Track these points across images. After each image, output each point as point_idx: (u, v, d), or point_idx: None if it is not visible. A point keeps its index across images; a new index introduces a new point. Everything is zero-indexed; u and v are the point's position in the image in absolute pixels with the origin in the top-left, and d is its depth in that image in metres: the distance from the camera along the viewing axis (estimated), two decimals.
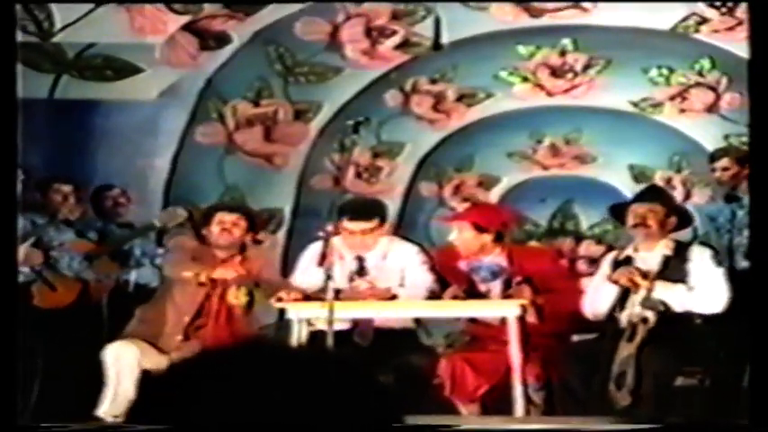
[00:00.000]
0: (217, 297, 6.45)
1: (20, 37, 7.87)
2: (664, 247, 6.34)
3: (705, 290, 6.18)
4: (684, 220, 6.64)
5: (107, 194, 7.71)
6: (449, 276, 6.56)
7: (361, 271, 6.57)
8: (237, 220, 6.56)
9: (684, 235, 7.07)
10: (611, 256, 6.59)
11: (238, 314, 6.47)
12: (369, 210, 6.74)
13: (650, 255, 6.31)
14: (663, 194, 6.77)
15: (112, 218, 7.63)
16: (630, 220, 6.42)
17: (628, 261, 6.33)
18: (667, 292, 6.15)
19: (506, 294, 6.42)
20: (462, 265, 6.57)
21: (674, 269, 6.24)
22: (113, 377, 6.15)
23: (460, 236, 6.56)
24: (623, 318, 6.15)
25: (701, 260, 6.29)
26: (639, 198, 6.57)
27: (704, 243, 7.30)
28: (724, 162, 7.39)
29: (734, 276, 6.86)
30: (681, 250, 6.33)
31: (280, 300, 6.34)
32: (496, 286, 6.50)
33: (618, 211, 6.71)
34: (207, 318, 6.41)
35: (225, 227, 6.51)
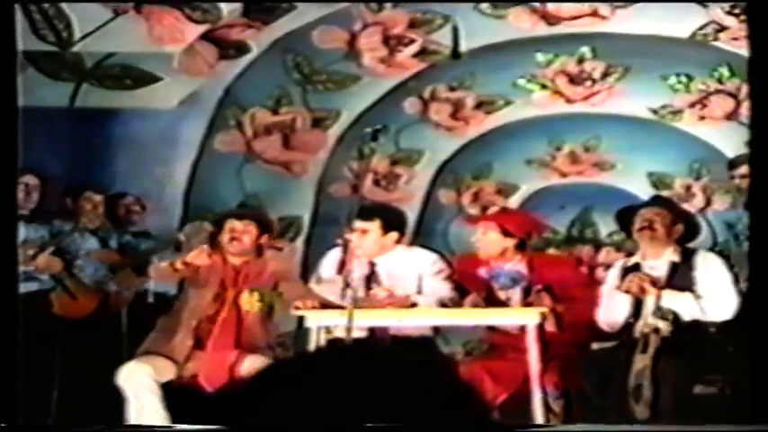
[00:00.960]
0: (229, 303, 6.39)
1: (38, 46, 7.90)
2: (671, 254, 6.32)
3: (713, 298, 6.14)
4: (692, 229, 6.59)
5: (121, 202, 7.71)
6: (468, 284, 6.54)
7: (372, 277, 6.53)
8: (247, 227, 6.51)
9: (697, 243, 7.05)
10: (619, 264, 6.57)
11: (250, 321, 6.40)
12: (372, 211, 6.69)
13: (657, 262, 6.29)
14: (670, 202, 6.78)
15: (126, 226, 7.62)
16: (637, 224, 6.41)
17: (636, 268, 6.30)
18: (675, 301, 6.13)
19: (526, 302, 6.38)
20: (482, 272, 6.54)
21: (681, 276, 6.21)
22: (132, 396, 6.11)
23: (484, 237, 6.55)
24: (637, 326, 6.12)
25: (707, 267, 6.26)
26: (646, 204, 6.56)
27: (711, 250, 7.28)
28: (743, 169, 7.35)
29: (752, 283, 6.83)
30: (687, 257, 6.31)
31: (297, 308, 6.30)
32: (516, 294, 6.47)
33: (625, 216, 6.68)
34: (214, 324, 6.35)
35: (234, 235, 6.47)
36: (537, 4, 8.42)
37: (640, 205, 6.61)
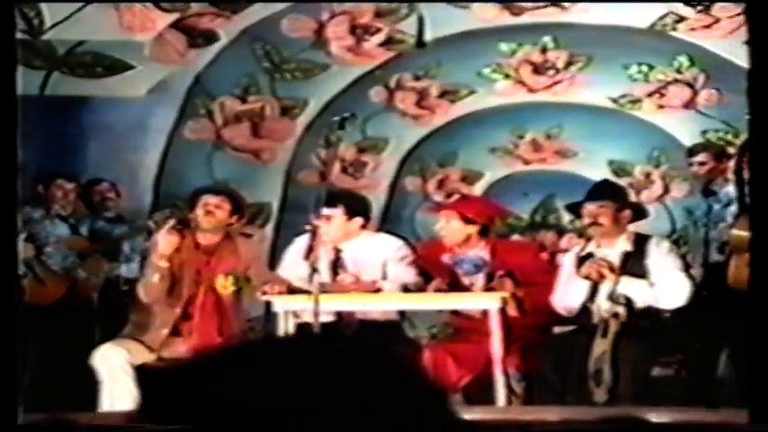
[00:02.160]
0: (205, 288, 6.40)
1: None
2: (624, 242, 6.35)
3: (666, 285, 6.19)
4: (639, 211, 6.66)
5: (96, 189, 7.71)
6: (433, 270, 6.57)
7: (336, 263, 6.55)
8: (221, 203, 6.50)
9: (656, 229, 7.11)
10: (573, 251, 6.60)
11: (226, 305, 6.41)
12: (336, 198, 6.70)
13: (611, 250, 6.32)
14: (612, 190, 6.71)
15: (101, 212, 7.62)
16: (585, 220, 6.46)
17: (590, 257, 6.34)
18: (631, 287, 6.17)
19: (488, 287, 6.42)
20: (446, 258, 6.58)
21: (634, 264, 6.26)
22: (107, 378, 6.12)
23: (447, 225, 6.57)
24: (595, 310, 6.17)
25: (660, 255, 6.30)
26: (590, 197, 6.54)
27: (669, 236, 7.34)
28: (701, 157, 7.42)
29: (707, 269, 6.91)
30: (640, 244, 6.34)
31: (264, 293, 6.31)
32: (479, 279, 6.51)
33: (573, 210, 6.74)
34: (194, 309, 6.36)
35: (209, 209, 6.45)
36: None
37: (585, 200, 6.55)
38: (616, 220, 6.37)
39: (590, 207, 6.42)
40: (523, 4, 8.47)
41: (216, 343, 6.21)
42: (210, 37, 8.40)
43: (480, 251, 6.55)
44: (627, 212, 6.45)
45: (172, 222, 6.37)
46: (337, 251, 6.55)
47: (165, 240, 6.31)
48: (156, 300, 6.36)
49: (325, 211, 6.42)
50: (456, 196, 8.50)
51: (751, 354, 3.60)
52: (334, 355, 1.53)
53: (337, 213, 6.52)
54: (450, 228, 6.55)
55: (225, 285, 6.39)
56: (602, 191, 6.58)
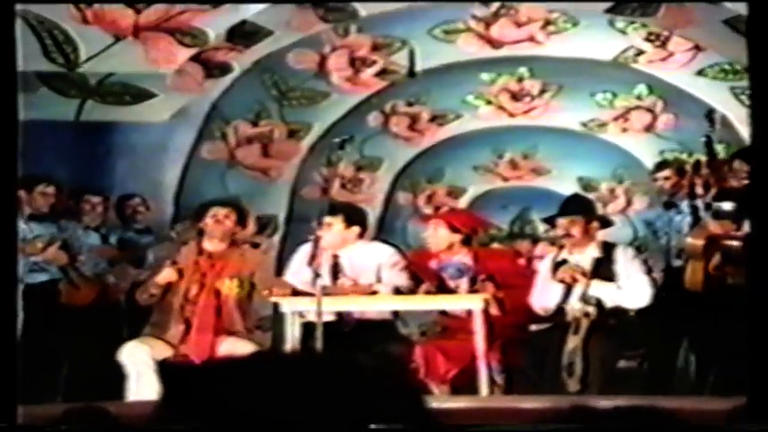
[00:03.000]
0: (207, 289, 6.37)
1: (49, 67, 7.89)
2: (593, 249, 6.37)
3: (632, 288, 6.22)
4: (605, 222, 6.68)
5: (128, 203, 7.72)
6: (422, 275, 6.57)
7: (336, 267, 6.54)
8: (229, 213, 6.53)
9: (619, 238, 7.11)
10: (550, 256, 6.61)
11: (229, 306, 6.37)
12: (335, 208, 6.69)
13: (582, 257, 6.34)
14: (581, 205, 6.70)
15: (131, 224, 7.63)
16: (559, 231, 6.48)
17: (564, 263, 6.35)
18: (601, 289, 6.19)
19: (472, 290, 6.43)
20: (433, 264, 6.58)
21: (603, 269, 6.27)
22: (133, 372, 6.11)
23: (434, 233, 6.57)
24: (568, 310, 6.19)
25: (625, 261, 6.32)
26: (562, 212, 6.55)
27: (631, 244, 7.35)
28: (666, 173, 7.43)
29: (669, 273, 6.93)
30: (608, 251, 6.36)
31: (270, 295, 6.31)
32: (463, 283, 6.51)
33: (549, 221, 6.77)
34: (196, 310, 6.32)
35: (218, 219, 6.47)
36: (482, 30, 8.48)
37: (557, 213, 6.58)
38: (586, 231, 6.39)
39: (562, 221, 6.44)
40: (503, 37, 8.50)
41: (214, 340, 6.20)
42: (225, 68, 8.41)
43: (464, 257, 6.56)
44: (595, 224, 6.48)
45: (171, 267, 6.35)
46: (335, 257, 6.55)
47: (164, 275, 6.33)
48: (147, 304, 6.38)
49: (327, 219, 6.43)
50: (446, 208, 8.51)
51: (750, 352, 3.58)
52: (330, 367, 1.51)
53: (337, 222, 6.52)
54: (436, 235, 6.56)
55: (230, 287, 6.37)
56: (573, 206, 6.59)
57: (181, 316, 6.29)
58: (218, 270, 6.39)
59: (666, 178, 7.37)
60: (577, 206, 6.57)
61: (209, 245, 6.43)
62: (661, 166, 7.64)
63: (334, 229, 6.47)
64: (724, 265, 6.17)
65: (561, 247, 6.50)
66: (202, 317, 6.28)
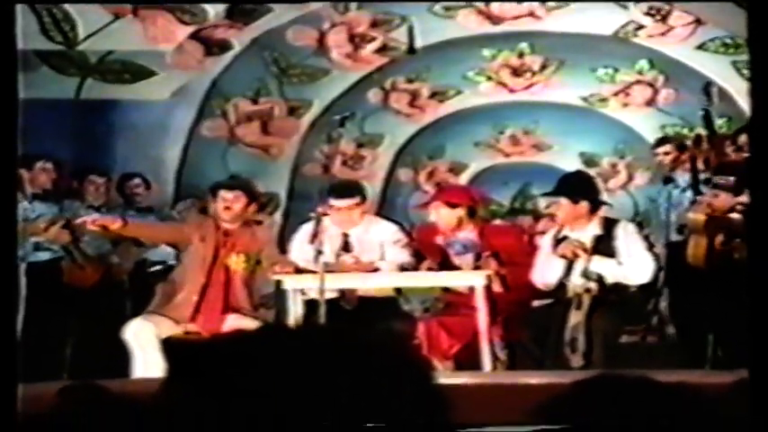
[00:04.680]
0: (219, 264, 6.38)
1: (48, 45, 7.89)
2: (594, 226, 6.33)
3: (633, 264, 6.20)
4: (595, 201, 6.53)
5: (129, 183, 7.72)
6: (426, 251, 6.57)
7: (346, 246, 6.56)
8: (237, 197, 6.48)
9: (621, 213, 7.10)
10: (550, 233, 6.57)
11: (236, 281, 6.38)
12: (351, 189, 6.72)
13: (582, 233, 6.31)
14: (570, 186, 6.48)
15: (133, 203, 7.64)
16: (551, 209, 6.48)
17: (566, 239, 6.32)
18: (602, 265, 6.18)
19: (476, 266, 6.43)
20: (439, 239, 6.58)
21: (604, 245, 6.25)
22: (138, 350, 6.13)
23: (438, 214, 6.56)
24: (570, 286, 6.19)
25: (627, 237, 6.28)
26: (551, 193, 6.51)
27: (633, 219, 7.34)
28: (666, 148, 7.43)
29: (668, 247, 6.94)
30: (609, 227, 6.32)
31: (275, 272, 6.32)
32: (468, 259, 6.51)
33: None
34: (209, 284, 6.34)
35: (227, 204, 6.41)
36: (482, 5, 8.48)
37: (548, 193, 6.55)
38: (573, 212, 6.28)
39: (549, 205, 6.44)
40: (503, 13, 8.49)
41: (221, 316, 6.23)
42: (225, 46, 8.40)
43: (470, 234, 6.56)
44: (583, 203, 6.34)
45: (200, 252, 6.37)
46: (345, 235, 6.57)
47: (192, 260, 6.34)
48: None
49: (347, 202, 6.44)
50: (435, 189, 8.49)
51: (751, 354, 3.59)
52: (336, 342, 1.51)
53: (355, 202, 6.53)
54: (440, 216, 6.55)
55: (237, 263, 6.38)
56: (559, 188, 6.45)
57: (193, 294, 6.29)
58: (230, 246, 6.39)
59: (666, 153, 7.37)
60: (567, 186, 6.44)
61: (224, 225, 6.43)
62: (661, 141, 7.65)
63: (352, 212, 6.49)
64: (729, 240, 6.18)
65: (562, 223, 6.49)
66: (213, 292, 6.30)
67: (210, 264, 6.33)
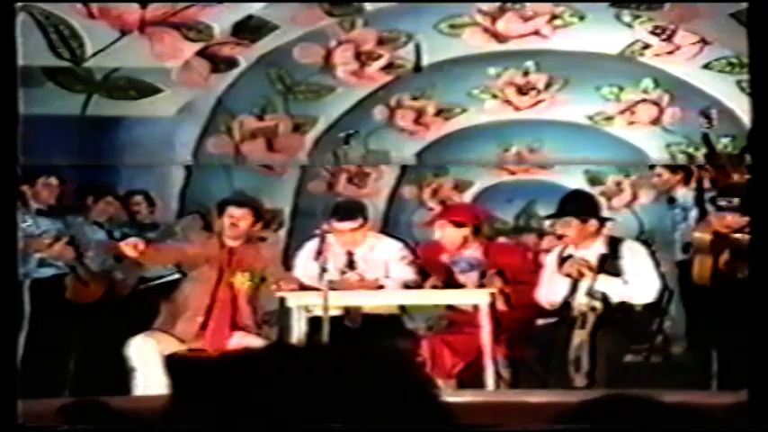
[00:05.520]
0: (224, 283, 6.38)
1: (54, 62, 7.91)
2: (600, 245, 6.31)
3: (639, 283, 6.18)
4: (603, 219, 6.55)
5: (132, 200, 7.73)
6: (431, 269, 6.57)
7: (350, 264, 6.56)
8: (245, 215, 6.48)
9: (625, 232, 7.08)
10: (555, 252, 6.55)
11: (240, 300, 6.38)
12: (353, 211, 6.72)
13: (587, 252, 6.30)
14: (577, 205, 6.49)
15: (137, 219, 7.65)
16: (557, 231, 6.46)
17: (571, 257, 6.30)
18: (607, 285, 6.17)
19: (480, 284, 6.42)
20: (444, 258, 6.58)
21: (609, 263, 6.23)
22: (140, 367, 6.12)
23: (443, 233, 6.56)
24: (575, 304, 6.17)
25: (633, 256, 6.27)
26: (557, 213, 6.49)
27: (638, 238, 7.32)
28: (658, 170, 7.50)
29: (676, 267, 6.94)
30: (614, 246, 6.31)
31: (279, 289, 6.32)
32: (473, 277, 6.51)
33: (550, 218, 6.75)
34: (215, 303, 6.34)
35: (233, 221, 6.42)
36: (488, 24, 8.49)
37: (553, 214, 6.54)
38: (581, 231, 6.30)
39: (556, 225, 6.43)
40: (509, 31, 8.51)
41: (227, 334, 6.22)
42: (231, 63, 8.42)
43: (475, 252, 6.56)
44: (593, 222, 6.35)
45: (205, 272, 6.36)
46: (350, 253, 6.57)
47: (197, 278, 6.33)
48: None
49: (349, 224, 6.44)
50: (440, 207, 8.49)
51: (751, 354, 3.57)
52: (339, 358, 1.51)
53: (358, 224, 6.53)
54: (446, 235, 6.55)
55: (242, 281, 6.37)
56: (569, 206, 6.46)
57: (198, 313, 6.28)
58: (234, 265, 6.39)
59: (659, 176, 7.44)
60: (573, 206, 6.45)
61: (228, 241, 6.42)
62: (654, 165, 7.75)
63: (356, 233, 6.49)
64: (734, 260, 6.17)
65: (572, 243, 6.48)
66: (218, 312, 6.29)
67: (215, 284, 6.33)
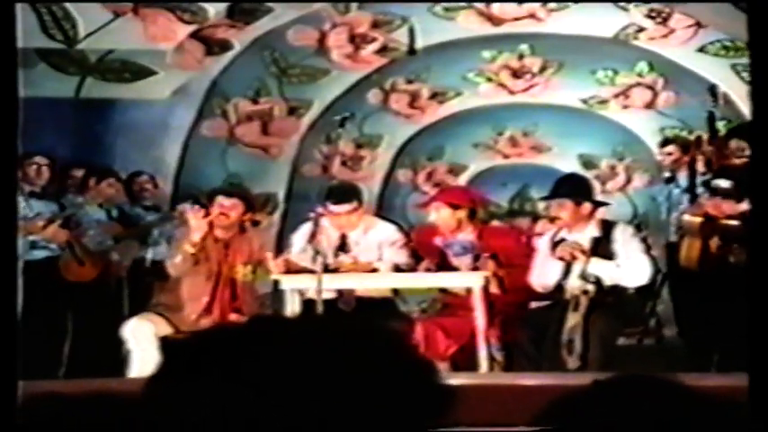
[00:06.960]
0: (224, 278, 6.38)
1: (48, 44, 7.88)
2: (593, 228, 6.32)
3: (631, 266, 6.19)
4: (597, 203, 6.54)
5: (139, 179, 7.70)
6: (425, 252, 6.57)
7: (344, 247, 6.56)
8: (235, 205, 6.46)
9: (619, 214, 7.08)
10: (548, 235, 6.55)
11: (242, 292, 6.39)
12: (348, 194, 6.72)
13: (580, 236, 6.30)
14: (572, 187, 6.48)
15: (139, 201, 7.62)
16: (551, 213, 6.47)
17: (564, 241, 6.31)
18: (599, 267, 6.17)
19: (474, 267, 6.43)
20: (438, 241, 6.58)
21: (602, 247, 6.24)
22: (135, 348, 6.12)
23: (438, 215, 6.56)
24: (568, 287, 6.18)
25: (624, 239, 6.27)
26: (552, 194, 6.47)
27: (631, 221, 7.32)
28: (669, 149, 7.45)
29: (668, 250, 6.94)
30: (607, 230, 6.31)
31: (273, 272, 6.32)
32: (467, 260, 6.51)
33: (545, 200, 6.75)
34: (215, 299, 6.34)
35: (223, 211, 6.40)
36: (482, 7, 8.48)
37: (547, 196, 6.53)
38: (575, 213, 6.29)
39: (551, 207, 6.43)
40: (503, 14, 8.50)
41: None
42: (225, 46, 8.40)
43: (468, 235, 6.56)
44: (587, 205, 6.36)
45: (199, 216, 6.34)
46: (344, 236, 6.57)
47: (196, 233, 6.30)
48: (182, 274, 6.35)
49: (344, 207, 6.43)
50: (437, 189, 8.50)
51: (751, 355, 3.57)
52: (333, 334, 1.50)
53: (353, 207, 6.52)
54: (441, 217, 6.55)
55: (245, 274, 6.37)
56: (563, 188, 6.46)
57: (196, 309, 6.28)
58: (232, 258, 6.38)
59: (669, 154, 7.39)
60: (568, 188, 6.45)
61: (219, 232, 6.41)
62: (666, 142, 7.68)
63: (352, 216, 6.49)
64: (725, 244, 6.18)
65: (566, 225, 6.48)
66: (220, 302, 6.30)
67: (215, 281, 6.33)
